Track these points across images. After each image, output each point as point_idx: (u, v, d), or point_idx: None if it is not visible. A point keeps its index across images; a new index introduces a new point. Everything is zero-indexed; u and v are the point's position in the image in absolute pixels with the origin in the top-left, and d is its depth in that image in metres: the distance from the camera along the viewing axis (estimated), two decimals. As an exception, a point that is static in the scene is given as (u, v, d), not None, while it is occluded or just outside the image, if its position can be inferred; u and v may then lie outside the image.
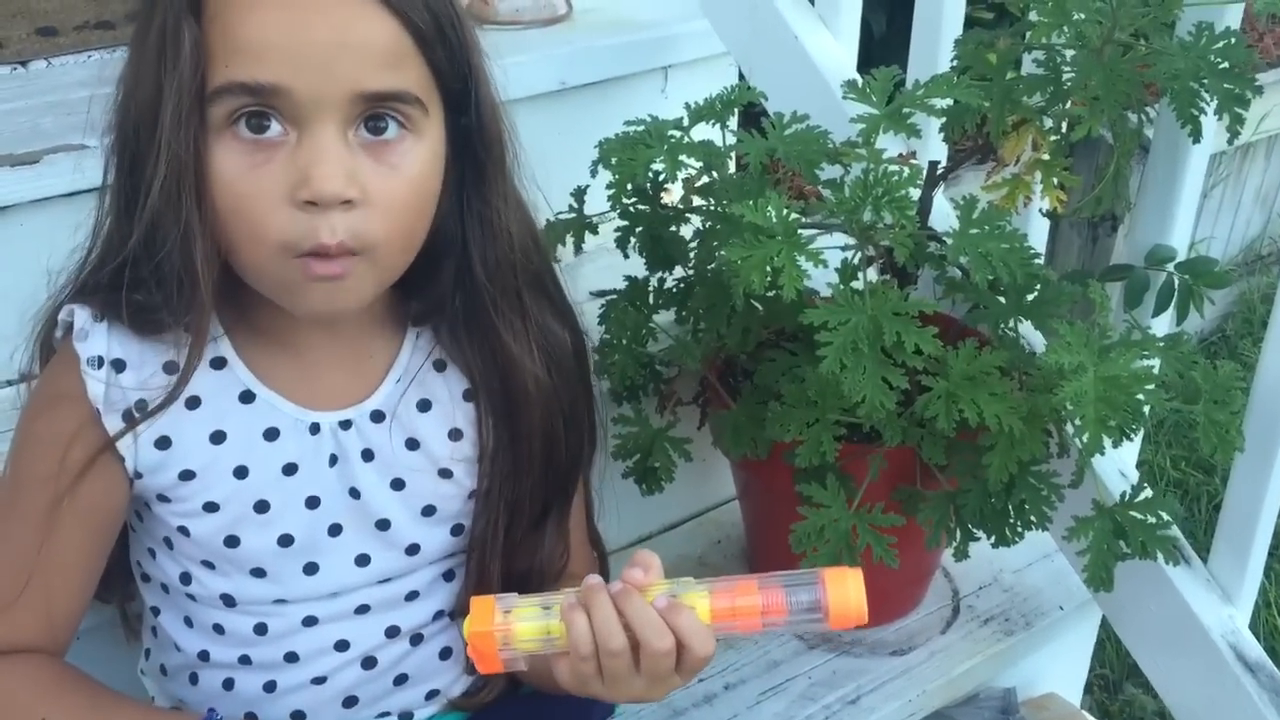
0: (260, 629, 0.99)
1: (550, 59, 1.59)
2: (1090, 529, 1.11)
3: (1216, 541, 1.29)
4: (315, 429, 0.96)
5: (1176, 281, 1.22)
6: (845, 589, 0.81)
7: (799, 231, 1.02)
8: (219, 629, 1.00)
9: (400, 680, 1.04)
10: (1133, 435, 1.06)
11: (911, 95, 1.07)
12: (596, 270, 1.55)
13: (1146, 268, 1.24)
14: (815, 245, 1.01)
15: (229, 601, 0.98)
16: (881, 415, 1.00)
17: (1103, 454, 1.00)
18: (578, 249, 1.27)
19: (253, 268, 0.87)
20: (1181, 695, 1.34)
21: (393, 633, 1.02)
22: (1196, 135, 1.06)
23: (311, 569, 0.98)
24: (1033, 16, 1.07)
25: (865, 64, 1.38)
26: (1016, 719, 1.39)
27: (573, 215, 1.26)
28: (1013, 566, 1.48)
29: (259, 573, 0.97)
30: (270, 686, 1.01)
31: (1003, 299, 1.15)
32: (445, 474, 0.99)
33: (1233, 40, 1.05)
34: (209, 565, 0.97)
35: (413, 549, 1.00)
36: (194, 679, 1.02)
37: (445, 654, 1.05)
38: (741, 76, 1.50)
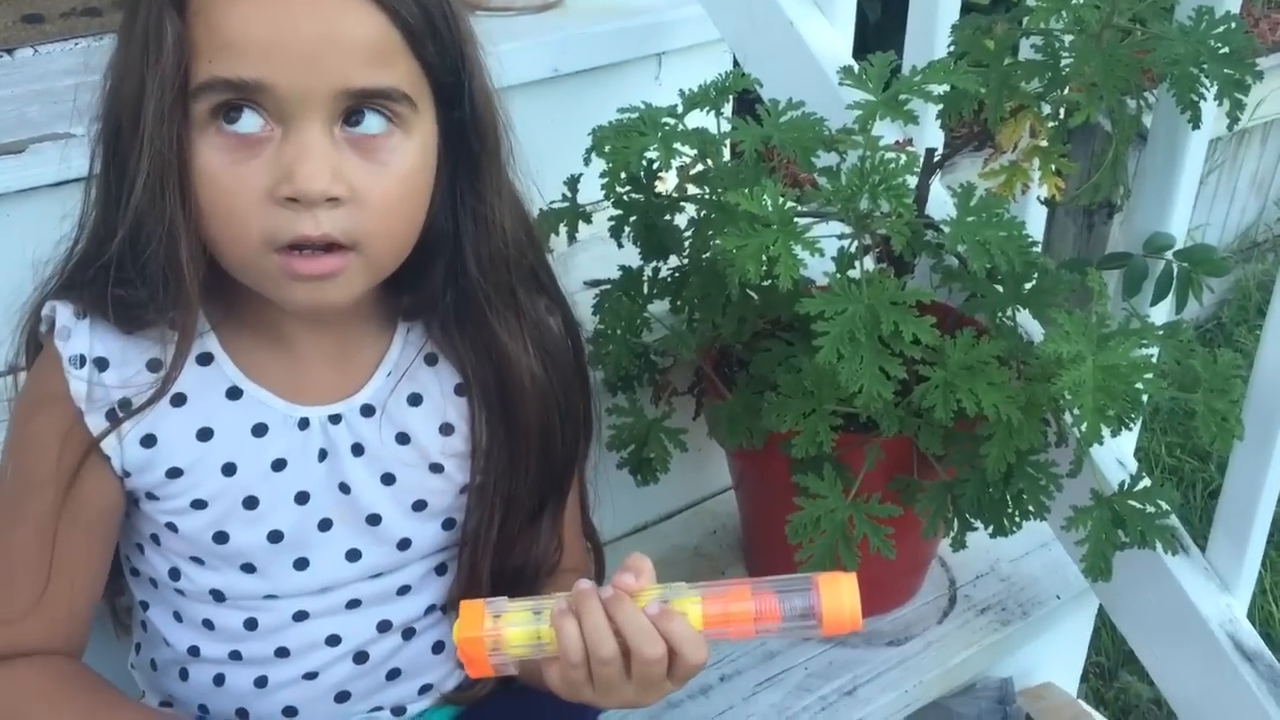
0: (250, 624, 0.98)
1: (542, 45, 1.57)
2: (1089, 519, 1.10)
3: (1215, 530, 1.29)
4: (304, 424, 0.95)
5: (1175, 269, 1.21)
6: (839, 595, 0.80)
7: (795, 220, 1.01)
8: (209, 624, 0.98)
9: (393, 675, 1.03)
10: (1131, 424, 1.05)
11: (909, 81, 1.05)
12: (590, 259, 1.53)
13: (1145, 255, 1.23)
14: (811, 234, 1.00)
15: (218, 597, 0.97)
16: (879, 405, 0.99)
17: (1101, 444, 1.00)
18: (571, 238, 1.25)
19: (237, 263, 0.86)
20: (1179, 685, 1.33)
21: (384, 627, 1.01)
22: (1196, 121, 1.05)
23: (302, 564, 0.97)
24: (1030, 1, 1.06)
25: (860, 50, 1.36)
26: (1014, 709, 1.38)
27: (566, 204, 1.24)
28: (1009, 555, 1.47)
29: (249, 568, 0.96)
30: (261, 682, 1.00)
31: (1000, 287, 1.14)
32: (436, 469, 0.98)
33: (1233, 25, 1.04)
34: (198, 561, 0.96)
35: (404, 544, 0.99)
36: (184, 674, 1.01)
37: (438, 648, 1.05)
38: (736, 63, 1.48)
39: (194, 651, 1.00)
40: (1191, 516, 2.14)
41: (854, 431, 1.16)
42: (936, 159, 1.16)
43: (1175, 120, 1.15)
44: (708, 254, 1.16)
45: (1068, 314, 1.03)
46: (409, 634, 1.02)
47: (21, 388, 0.95)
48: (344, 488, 0.96)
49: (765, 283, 1.00)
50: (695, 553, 1.49)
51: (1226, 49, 1.03)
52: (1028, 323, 1.21)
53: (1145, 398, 1.00)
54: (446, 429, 0.98)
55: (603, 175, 1.13)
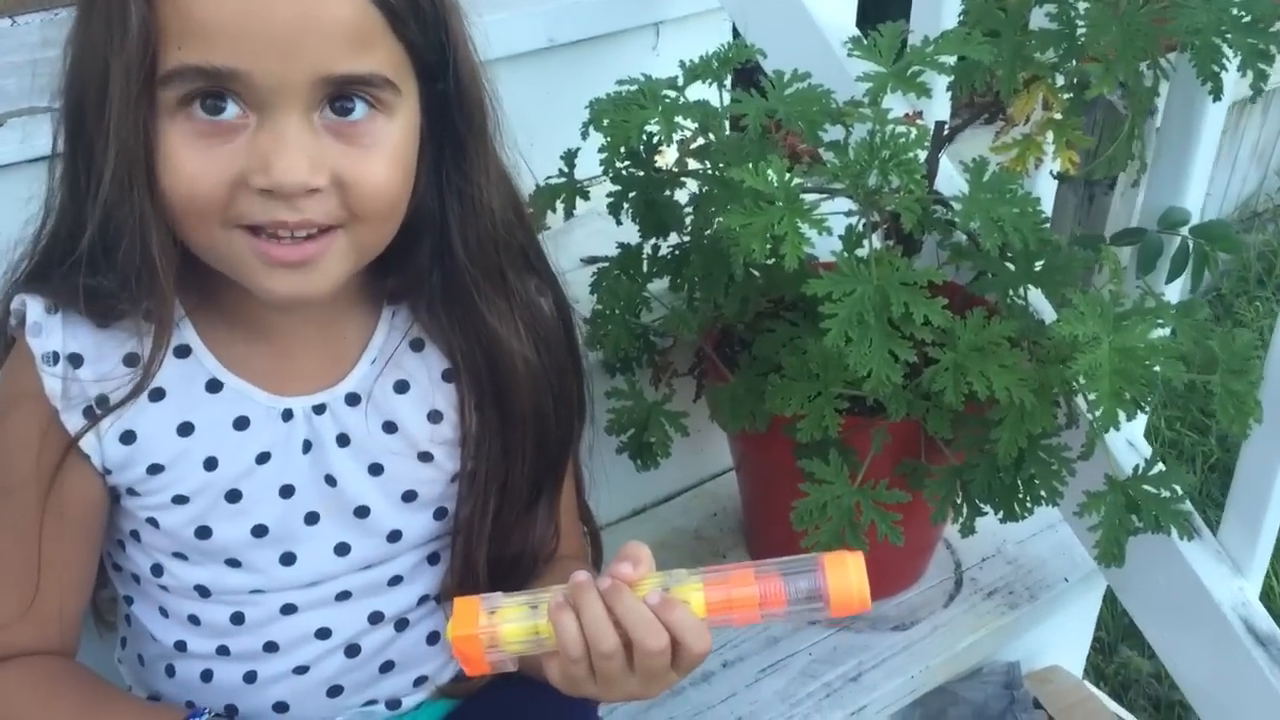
0: (237, 618, 0.95)
1: (536, 15, 1.52)
2: (1102, 504, 1.07)
3: (1227, 512, 1.26)
4: (287, 415, 0.91)
5: (1191, 246, 1.17)
6: (846, 575, 0.77)
7: (801, 197, 0.97)
8: (194, 619, 0.95)
9: (386, 667, 0.99)
10: (1146, 408, 1.01)
11: (920, 52, 1.01)
12: (587, 235, 1.50)
13: (1159, 231, 1.19)
14: (817, 211, 0.96)
15: (203, 592, 0.94)
16: (888, 390, 0.96)
17: (1118, 429, 0.96)
18: (568, 215, 1.21)
19: (206, 250, 0.82)
20: (1189, 669, 1.31)
21: (376, 619, 0.98)
22: (1217, 92, 1.01)
23: (288, 559, 0.93)
24: (1045, -32, 1.01)
25: (862, 21, 1.32)
26: (1021, 693, 1.35)
27: (563, 180, 1.20)
28: (1016, 538, 1.44)
29: (233, 563, 0.93)
30: (250, 677, 0.97)
31: (1011, 265, 1.10)
32: (425, 458, 0.95)
33: (1256, -8, 1.00)
34: (181, 556, 0.93)
35: (394, 535, 0.96)
36: (170, 670, 0.98)
37: (432, 639, 1.01)
38: (736, 34, 1.44)
39: (180, 647, 0.97)
40: (1193, 492, 2.12)
41: (859, 414, 1.13)
42: (946, 132, 1.11)
43: (1192, 91, 1.11)
44: (709, 231, 1.12)
45: (1083, 294, 1.00)
46: (402, 625, 0.99)
47: (-3, 388, 0.91)
48: (330, 480, 0.93)
49: (770, 261, 0.96)
50: (695, 536, 1.46)
51: (1249, 17, 0.99)
52: (1038, 301, 1.17)
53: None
54: (435, 416, 0.95)
55: (601, 150, 1.09)
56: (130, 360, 0.86)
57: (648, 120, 1.07)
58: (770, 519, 1.34)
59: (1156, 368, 0.95)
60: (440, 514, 0.98)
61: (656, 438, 1.17)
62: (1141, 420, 1.34)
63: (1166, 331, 1.07)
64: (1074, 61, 1.07)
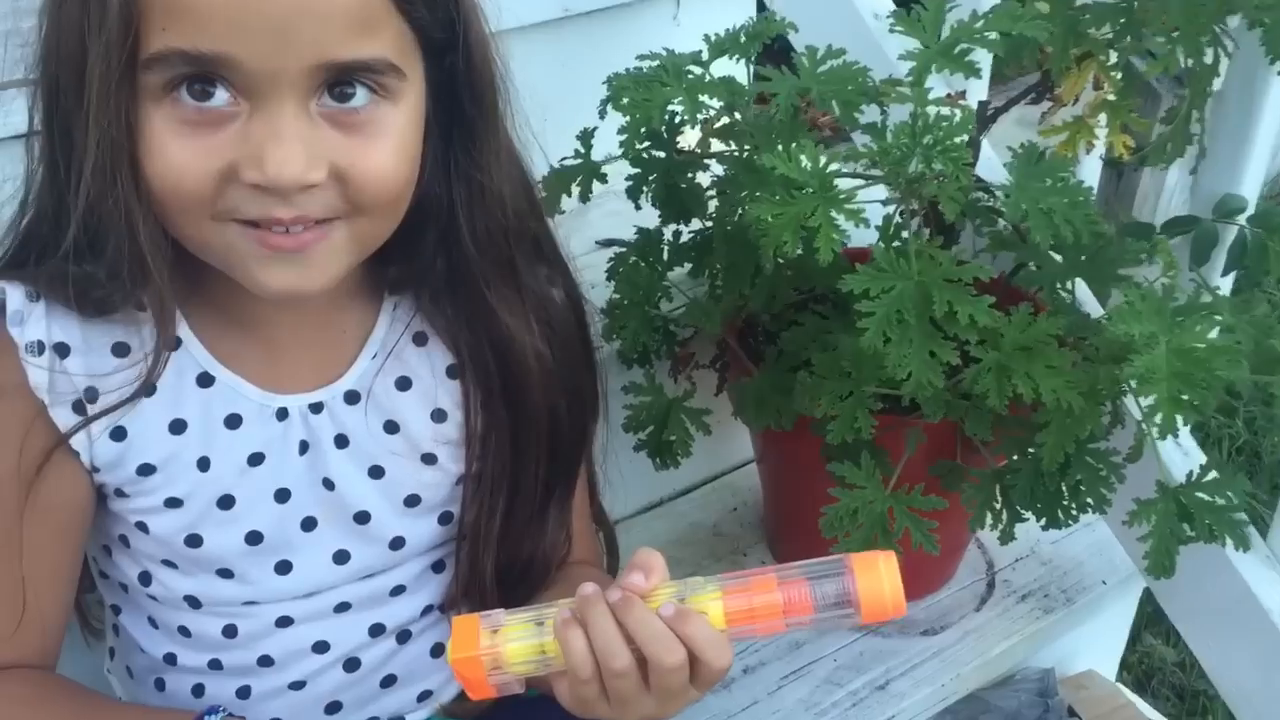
0: (229, 631, 0.89)
1: (551, -18, 1.45)
2: (1153, 512, 1.00)
3: (1278, 518, 1.19)
4: (282, 414, 0.85)
5: (1249, 236, 1.09)
6: (877, 577, 0.70)
7: (835, 184, 0.90)
8: (185, 631, 0.90)
9: (387, 682, 0.94)
10: (1206, 413, 0.94)
11: (968, 28, 0.93)
12: (603, 216, 1.43)
13: (1215, 220, 1.11)
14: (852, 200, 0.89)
15: (194, 603, 0.89)
16: (929, 394, 0.89)
17: (1177, 436, 0.89)
18: (585, 198, 1.14)
19: (198, 245, 0.76)
20: (1235, 677, 1.24)
21: (377, 631, 0.92)
22: (1288, 72, 0.94)
23: (284, 568, 0.88)
24: (1102, -64, 0.94)
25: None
26: (1056, 701, 1.29)
27: (579, 161, 1.13)
28: (1050, 537, 1.37)
29: (225, 573, 0.87)
30: (244, 692, 0.91)
31: (1058, 257, 1.02)
32: (429, 459, 0.89)
33: (1332, -37, 0.92)
34: (170, 564, 0.87)
35: (396, 542, 0.90)
36: (160, 684, 0.92)
37: (436, 651, 0.96)
38: (761, 5, 1.36)
39: (170, 660, 0.91)
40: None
41: (892, 412, 1.06)
42: (990, 113, 1.04)
43: (1255, 70, 1.04)
44: (734, 218, 1.05)
45: (1137, 288, 0.93)
46: (404, 637, 0.94)
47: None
48: (328, 483, 0.87)
49: (799, 251, 0.89)
50: (714, 532, 1.39)
51: (1324, -9, 0.91)
52: (1083, 295, 1.10)
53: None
54: (438, 415, 0.89)
55: (621, 131, 1.02)
56: (119, 350, 0.81)
57: (670, 99, 1.00)
58: (795, 517, 1.28)
59: (1219, 370, 0.88)
60: (445, 519, 0.92)
61: (677, 436, 1.10)
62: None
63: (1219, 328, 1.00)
64: (1129, 38, 0.99)
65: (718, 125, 1.08)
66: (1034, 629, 1.28)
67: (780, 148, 0.90)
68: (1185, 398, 0.89)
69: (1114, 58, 1.00)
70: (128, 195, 0.72)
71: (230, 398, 0.84)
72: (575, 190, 1.13)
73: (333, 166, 0.72)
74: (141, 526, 0.85)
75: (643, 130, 1.01)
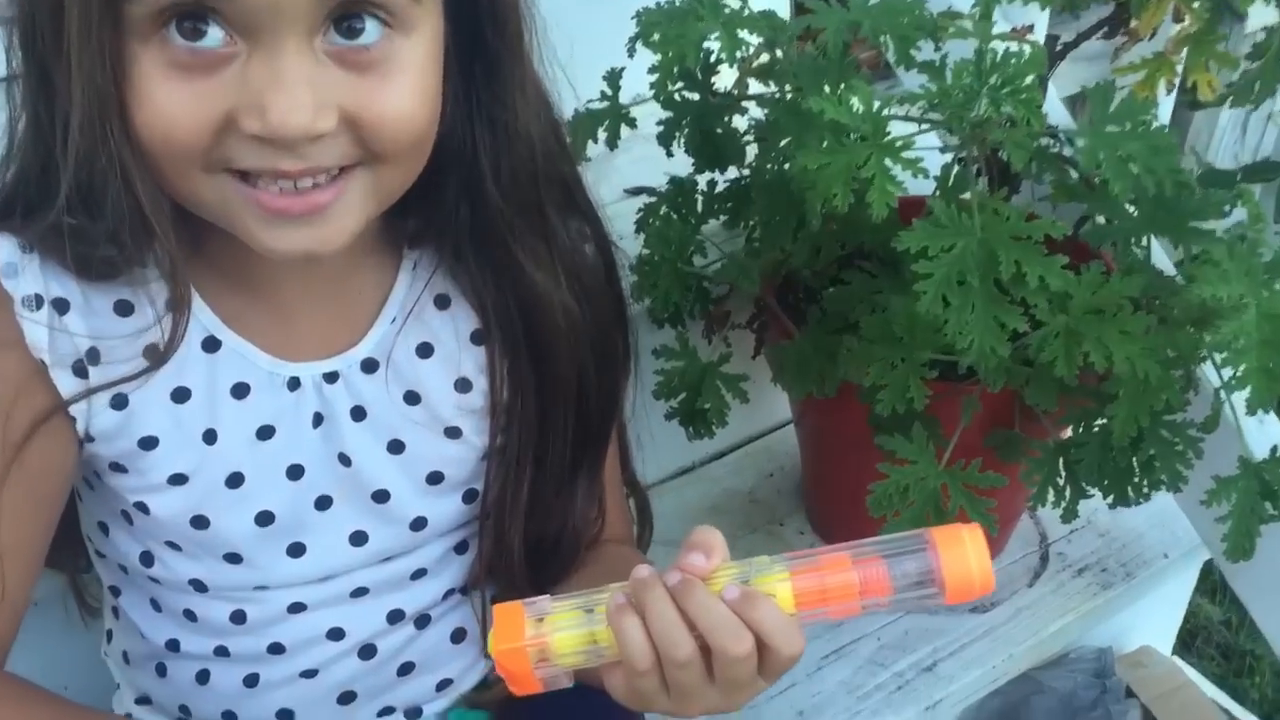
0: (238, 617, 0.83)
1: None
2: (1233, 490, 0.92)
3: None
4: (294, 384, 0.79)
5: (1342, 185, 1.00)
6: (962, 553, 0.63)
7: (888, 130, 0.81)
8: (190, 615, 0.84)
9: (405, 670, 0.88)
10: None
11: (1041, -46, 0.84)
12: (631, 163, 1.34)
13: (1302, 167, 1.01)
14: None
15: (199, 587, 0.82)
16: (992, 364, 0.80)
17: (1267, 410, 0.80)
18: (612, 145, 1.06)
19: (192, 200, 0.69)
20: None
21: (396, 617, 0.86)
22: (1398, 2, 0.84)
23: (297, 550, 0.81)
24: None
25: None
26: (1113, 681, 1.22)
27: (606, 104, 1.04)
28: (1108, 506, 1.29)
29: (233, 557, 0.80)
30: (251, 681, 0.85)
31: (1133, 209, 0.93)
32: (452, 433, 0.82)
33: None
34: (174, 546, 0.80)
35: (418, 523, 0.83)
36: (162, 670, 0.86)
37: (457, 636, 0.89)
38: (804, -68, 1.26)
39: (173, 646, 0.85)
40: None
41: (945, 380, 0.98)
42: (1059, 49, 0.94)
43: (1354, 0, 0.93)
44: (774, 166, 0.96)
45: (1223, 245, 0.84)
46: (423, 622, 0.87)
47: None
48: (344, 459, 0.80)
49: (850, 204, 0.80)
50: (750, 499, 1.32)
51: None
52: (1157, 252, 1.01)
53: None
54: (462, 384, 0.82)
55: (652, 70, 0.94)
56: (123, 309, 0.74)
57: (705, 35, 0.91)
58: (838, 489, 1.20)
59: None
60: (469, 497, 0.85)
61: (712, 404, 1.02)
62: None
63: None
64: (1217, -35, 0.89)
65: (757, 64, 0.99)
66: (1091, 606, 1.20)
67: (828, 89, 0.81)
68: (1272, 367, 0.81)
69: (1199, -12, 0.90)
70: (121, 151, 0.65)
71: (238, 365, 0.77)
72: (602, 135, 1.05)
73: (343, 112, 0.64)
74: (142, 507, 0.78)
75: (675, 70, 0.93)
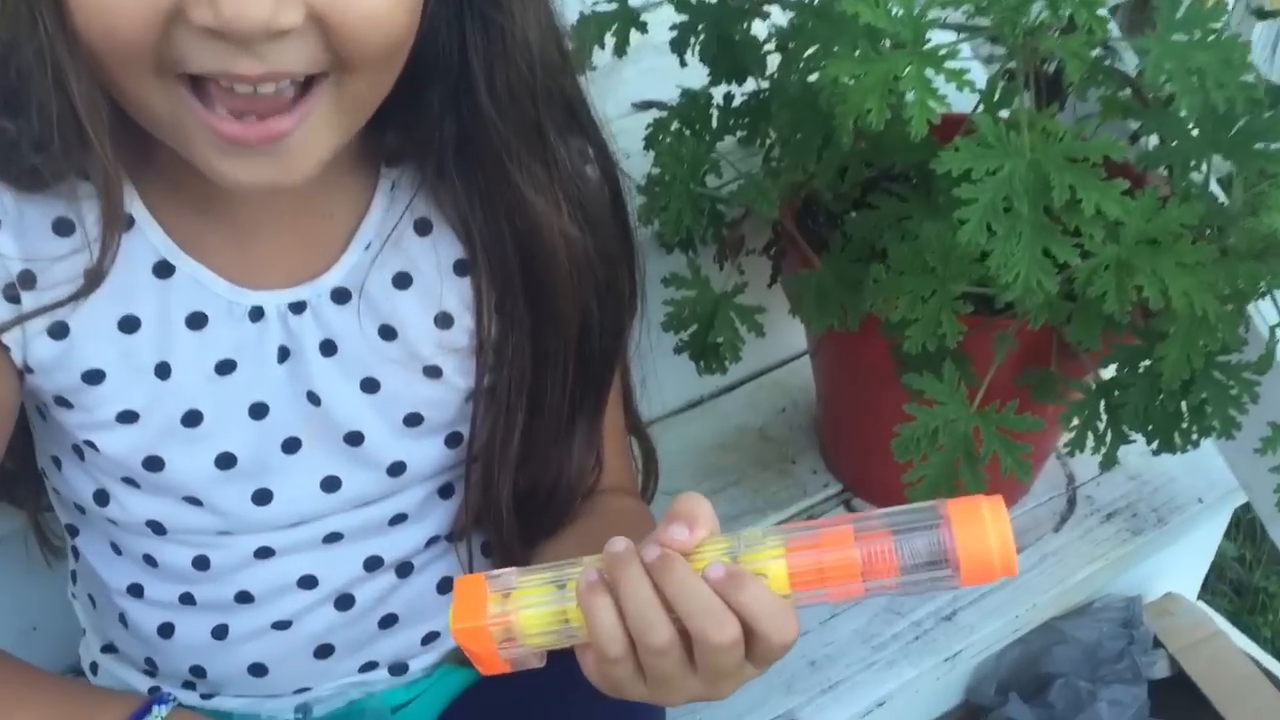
0: (200, 563, 0.77)
1: None
2: (1290, 439, 0.84)
3: None
4: (257, 314, 0.71)
5: None
6: (981, 530, 0.55)
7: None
8: (150, 560, 0.77)
9: (387, 622, 0.81)
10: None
11: None
12: (640, 74, 1.24)
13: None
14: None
15: (158, 529, 0.75)
16: (1039, 299, 0.72)
17: (1338, 355, 0.73)
18: (620, 51, 0.97)
19: (143, 113, 0.61)
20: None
21: (374, 564, 0.79)
22: None
23: (263, 497, 0.74)
24: None
25: None
26: (1141, 632, 1.15)
27: (613, 7, 0.95)
28: (1139, 448, 1.21)
29: (193, 501, 0.73)
30: (220, 632, 0.79)
31: (1193, 129, 0.84)
32: (432, 372, 0.74)
33: None
34: (130, 483, 0.73)
35: (396, 468, 0.76)
36: (124, 619, 0.79)
37: (444, 586, 0.83)
38: None
39: (135, 591, 0.79)
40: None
41: (978, 314, 0.90)
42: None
43: None
44: (802, 78, 0.87)
45: (1294, 171, 0.75)
46: (405, 570, 0.81)
47: None
48: (313, 397, 0.73)
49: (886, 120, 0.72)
50: (760, 435, 1.25)
51: None
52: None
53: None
54: (443, 320, 0.74)
55: (663, -32, 0.84)
56: (62, 228, 0.66)
57: (725, -71, 0.82)
58: (856, 429, 1.13)
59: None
60: (453, 440, 0.78)
61: (725, 337, 0.94)
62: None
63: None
64: None
65: (780, -38, 0.89)
66: (1120, 553, 1.13)
67: (863, -10, 0.72)
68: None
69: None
70: (54, 44, 0.57)
71: (193, 292, 0.70)
72: (609, 42, 0.96)
73: (310, 7, 0.56)
74: (91, 445, 0.71)
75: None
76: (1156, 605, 1.25)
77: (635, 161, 1.00)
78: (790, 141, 0.89)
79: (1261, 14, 0.89)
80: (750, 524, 1.15)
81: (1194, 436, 0.87)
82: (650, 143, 1.00)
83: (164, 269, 0.69)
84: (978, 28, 0.77)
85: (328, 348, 0.72)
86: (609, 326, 0.78)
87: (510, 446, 0.77)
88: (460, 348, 0.75)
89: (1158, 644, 1.19)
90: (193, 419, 0.71)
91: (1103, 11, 0.75)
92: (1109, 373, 0.91)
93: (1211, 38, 0.74)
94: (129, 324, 0.69)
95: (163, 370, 0.70)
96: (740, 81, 0.96)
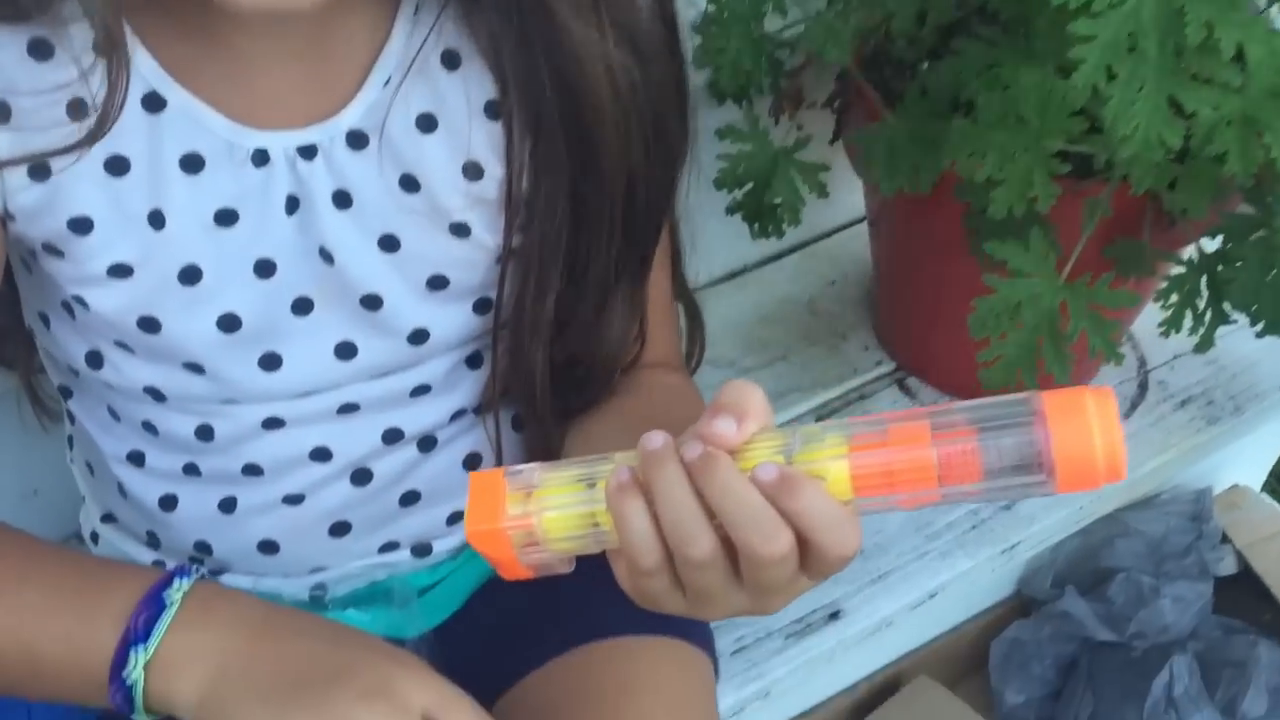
0: (204, 433, 0.70)
1: None
2: None
3: None
4: (261, 158, 0.62)
5: None
6: (1084, 427, 0.46)
7: None
8: (150, 428, 0.70)
9: (408, 499, 0.74)
10: None
11: None
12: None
13: None
14: None
15: (157, 396, 0.68)
16: (1158, 156, 0.63)
17: None
18: None
19: None
20: None
21: (393, 437, 0.72)
22: None
23: (271, 362, 0.67)
24: None
25: None
26: (1210, 526, 1.08)
27: None
28: (1218, 331, 1.13)
29: (195, 367, 0.66)
30: (228, 505, 0.72)
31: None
32: (460, 230, 0.66)
33: None
34: (124, 348, 0.66)
35: (418, 335, 0.68)
36: (122, 489, 0.73)
37: (471, 461, 0.76)
38: None
39: (136, 460, 0.72)
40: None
41: (1068, 175, 0.80)
42: None
43: None
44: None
45: None
46: (428, 445, 0.73)
47: None
48: (325, 255, 0.65)
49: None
50: (809, 309, 1.16)
51: None
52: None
53: None
54: (473, 169, 0.65)
55: None
56: (39, 49, 0.57)
57: None
58: (916, 302, 1.04)
59: None
60: (481, 306, 0.70)
61: (784, 198, 0.85)
62: None
63: None
64: None
65: None
66: (1193, 442, 1.06)
67: None
68: None
69: None
70: None
71: (187, 130, 0.61)
72: None
73: None
74: (81, 302, 0.64)
75: None
76: (1223, 498, 1.18)
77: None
78: (866, -25, 0.78)
79: None
80: (795, 403, 1.07)
81: (1307, 319, 0.78)
82: (703, -23, 0.90)
83: (154, 102, 0.60)
84: None
85: (342, 199, 0.64)
86: (658, 180, 0.69)
87: (543, 313, 0.69)
88: (490, 200, 0.66)
89: (1226, 539, 1.12)
90: (191, 275, 0.63)
91: None
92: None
93: None
94: (117, 165, 0.61)
95: (156, 219, 0.62)
96: (809, -96, 0.85)
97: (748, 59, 0.84)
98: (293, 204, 0.63)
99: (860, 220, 1.20)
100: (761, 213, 0.86)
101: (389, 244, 0.65)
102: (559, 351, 0.70)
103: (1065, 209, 0.80)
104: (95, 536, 0.79)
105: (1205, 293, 0.81)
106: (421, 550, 0.76)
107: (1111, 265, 0.85)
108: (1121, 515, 1.07)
